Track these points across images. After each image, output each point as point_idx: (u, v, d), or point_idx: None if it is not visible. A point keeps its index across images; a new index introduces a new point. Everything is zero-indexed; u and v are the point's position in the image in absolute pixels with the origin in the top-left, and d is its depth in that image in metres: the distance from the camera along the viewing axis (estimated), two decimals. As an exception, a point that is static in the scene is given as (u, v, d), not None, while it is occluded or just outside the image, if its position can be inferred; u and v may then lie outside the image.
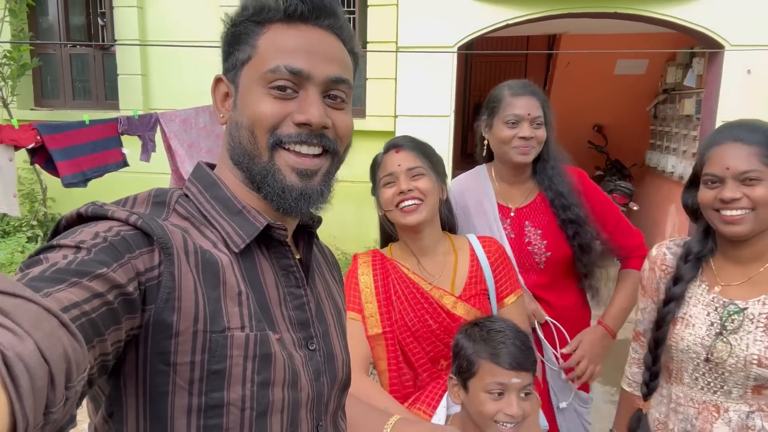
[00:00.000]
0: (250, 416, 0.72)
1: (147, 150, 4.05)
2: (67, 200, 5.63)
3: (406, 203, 1.53)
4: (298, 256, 0.88)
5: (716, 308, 1.37)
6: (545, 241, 1.86)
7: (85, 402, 0.75)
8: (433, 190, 1.57)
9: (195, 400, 0.70)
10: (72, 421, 0.54)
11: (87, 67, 6.41)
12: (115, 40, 5.97)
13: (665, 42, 6.21)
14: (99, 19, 6.40)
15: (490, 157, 1.97)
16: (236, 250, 0.77)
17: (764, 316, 1.32)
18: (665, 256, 1.50)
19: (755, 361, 1.29)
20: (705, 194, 1.36)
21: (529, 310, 1.83)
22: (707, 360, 1.35)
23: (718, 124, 4.80)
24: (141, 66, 5.98)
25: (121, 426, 0.70)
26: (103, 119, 3.93)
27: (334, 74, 0.80)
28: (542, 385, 1.84)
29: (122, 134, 3.93)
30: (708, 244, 1.42)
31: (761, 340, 1.30)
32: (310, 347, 0.83)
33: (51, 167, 3.66)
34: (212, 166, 0.87)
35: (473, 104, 9.10)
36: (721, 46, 4.79)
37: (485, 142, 1.94)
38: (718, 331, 1.35)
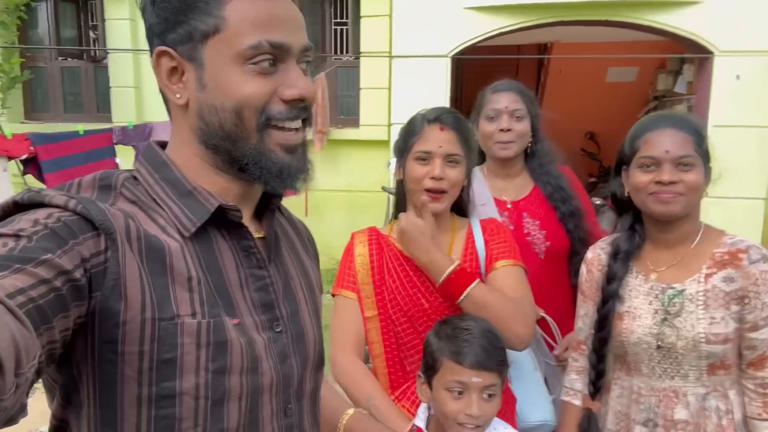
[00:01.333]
0: (205, 405, 0.70)
1: (141, 160, 4.03)
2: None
3: (433, 190, 1.48)
4: (261, 235, 0.84)
5: (657, 295, 1.41)
6: (544, 231, 1.90)
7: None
8: (462, 180, 1.52)
9: (145, 389, 0.67)
10: (23, 410, 0.52)
11: (79, 80, 6.40)
12: (106, 48, 5.96)
13: (655, 49, 6.28)
14: (91, 32, 6.40)
15: (483, 158, 2.04)
16: (187, 234, 0.73)
17: (701, 293, 1.36)
18: (600, 256, 1.53)
19: (703, 339, 1.34)
20: (641, 178, 1.38)
21: None
22: (659, 347, 1.38)
23: (710, 130, 4.84)
24: (134, 78, 5.97)
25: (79, 409, 0.69)
26: (98, 129, 3.93)
27: (306, 42, 0.77)
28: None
29: (117, 144, 3.92)
30: (635, 240, 1.46)
31: (704, 318, 1.35)
32: (276, 329, 0.80)
33: (42, 178, 3.64)
34: (164, 145, 0.83)
35: (466, 113, 9.14)
36: (710, 53, 4.85)
37: (477, 140, 1.98)
38: (662, 317, 1.39)
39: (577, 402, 1.57)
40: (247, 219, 0.81)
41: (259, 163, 0.75)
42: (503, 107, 1.90)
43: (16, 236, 0.59)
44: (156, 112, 5.84)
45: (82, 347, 0.65)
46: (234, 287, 0.76)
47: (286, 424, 0.81)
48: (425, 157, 1.49)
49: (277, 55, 0.74)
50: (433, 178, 1.47)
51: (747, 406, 1.38)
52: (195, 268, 0.72)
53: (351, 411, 1.29)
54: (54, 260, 0.58)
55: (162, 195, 0.75)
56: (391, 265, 1.55)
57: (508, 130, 1.88)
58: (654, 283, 1.42)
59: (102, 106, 6.31)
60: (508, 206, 1.94)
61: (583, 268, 1.58)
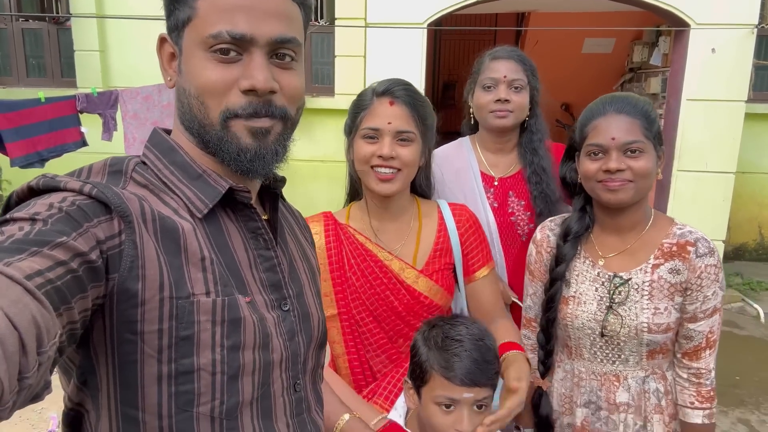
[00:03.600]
0: (221, 380, 0.72)
1: (108, 129, 3.90)
2: (23, 182, 5.42)
3: (383, 170, 1.36)
4: (265, 217, 0.87)
5: (603, 283, 1.41)
6: (528, 213, 1.84)
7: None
8: (416, 159, 1.39)
9: (165, 367, 0.69)
10: (47, 387, 0.54)
11: (41, 43, 6.13)
12: (70, 14, 5.71)
13: (632, 21, 6.26)
14: (53, -8, 6.12)
15: (476, 128, 1.95)
16: (199, 216, 0.76)
17: (647, 283, 1.37)
18: (549, 238, 1.52)
19: (645, 329, 1.35)
20: (589, 166, 1.36)
21: None
22: (602, 334, 1.39)
23: (684, 102, 4.87)
24: (99, 41, 5.74)
25: (96, 392, 0.70)
26: (60, 96, 3.77)
27: (278, 34, 0.75)
28: None
29: (81, 112, 3.78)
30: (585, 222, 1.45)
31: (648, 308, 1.36)
32: (284, 308, 0.83)
33: (2, 147, 3.50)
34: (169, 132, 0.84)
35: (442, 82, 9.06)
36: (686, 25, 4.84)
37: (471, 111, 1.90)
38: (608, 305, 1.39)
39: (532, 379, 1.58)
40: (252, 201, 0.83)
41: (221, 146, 0.77)
42: (501, 76, 1.77)
43: (32, 220, 0.61)
44: (122, 78, 5.64)
45: (99, 329, 0.67)
46: (244, 267, 0.79)
47: (296, 398, 0.85)
48: (373, 135, 1.36)
49: (239, 44, 0.74)
50: (381, 156, 1.34)
51: (679, 394, 1.40)
52: (207, 248, 0.74)
53: (347, 417, 1.25)
54: (69, 243, 0.59)
55: (172, 178, 0.77)
56: (353, 259, 1.43)
57: (506, 100, 1.76)
58: (601, 269, 1.42)
59: (66, 71, 6.06)
60: (495, 183, 1.87)
61: (532, 248, 1.56)
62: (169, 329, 0.68)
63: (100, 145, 3.92)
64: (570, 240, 1.45)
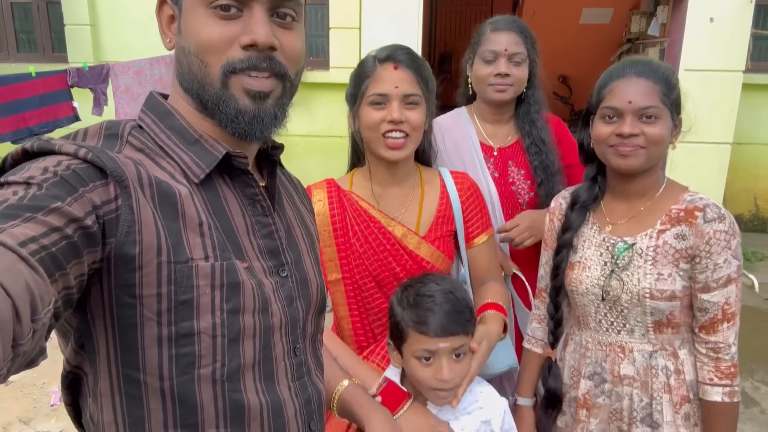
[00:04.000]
0: (222, 343, 0.73)
1: (99, 103, 3.87)
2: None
3: (394, 135, 1.36)
4: (263, 184, 0.87)
5: (608, 247, 1.39)
6: (528, 182, 1.84)
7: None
8: (423, 123, 1.39)
9: (165, 330, 0.69)
10: (42, 353, 0.55)
11: (31, 17, 6.04)
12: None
13: (630, -10, 6.17)
14: (41, -36, 6.00)
15: (473, 98, 1.93)
16: (196, 181, 0.76)
17: (651, 249, 1.34)
18: (561, 206, 1.52)
19: (647, 295, 1.32)
20: (602, 129, 1.34)
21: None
22: (604, 299, 1.38)
23: (682, 72, 4.83)
24: (89, 15, 5.65)
25: (93, 355, 0.71)
26: (51, 71, 3.73)
27: None
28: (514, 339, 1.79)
29: (72, 87, 3.73)
30: (594, 191, 1.44)
31: (651, 273, 1.33)
32: (282, 274, 0.84)
33: (-5, 123, 3.47)
34: (166, 96, 0.84)
35: (439, 54, 8.96)
36: (685, -6, 4.77)
37: (469, 81, 1.89)
38: (611, 269, 1.37)
39: (538, 350, 1.59)
40: (249, 167, 0.82)
41: (219, 107, 0.76)
42: (502, 49, 1.74)
43: (26, 184, 0.60)
44: (114, 52, 5.57)
45: (97, 293, 0.67)
46: (241, 233, 0.79)
47: (296, 362, 0.86)
48: (381, 101, 1.36)
49: (240, 0, 0.74)
50: (392, 121, 1.35)
51: (699, 370, 1.35)
52: (205, 213, 0.74)
53: (346, 382, 1.27)
54: (64, 208, 0.59)
55: (169, 143, 0.77)
56: (357, 226, 1.45)
57: (506, 75, 1.74)
58: (607, 235, 1.41)
59: (57, 45, 5.99)
60: (495, 153, 1.87)
61: (547, 218, 1.56)
62: (168, 293, 0.69)
63: (92, 120, 3.88)
64: (578, 208, 1.44)
